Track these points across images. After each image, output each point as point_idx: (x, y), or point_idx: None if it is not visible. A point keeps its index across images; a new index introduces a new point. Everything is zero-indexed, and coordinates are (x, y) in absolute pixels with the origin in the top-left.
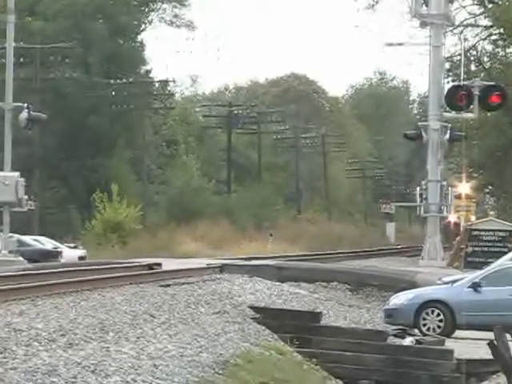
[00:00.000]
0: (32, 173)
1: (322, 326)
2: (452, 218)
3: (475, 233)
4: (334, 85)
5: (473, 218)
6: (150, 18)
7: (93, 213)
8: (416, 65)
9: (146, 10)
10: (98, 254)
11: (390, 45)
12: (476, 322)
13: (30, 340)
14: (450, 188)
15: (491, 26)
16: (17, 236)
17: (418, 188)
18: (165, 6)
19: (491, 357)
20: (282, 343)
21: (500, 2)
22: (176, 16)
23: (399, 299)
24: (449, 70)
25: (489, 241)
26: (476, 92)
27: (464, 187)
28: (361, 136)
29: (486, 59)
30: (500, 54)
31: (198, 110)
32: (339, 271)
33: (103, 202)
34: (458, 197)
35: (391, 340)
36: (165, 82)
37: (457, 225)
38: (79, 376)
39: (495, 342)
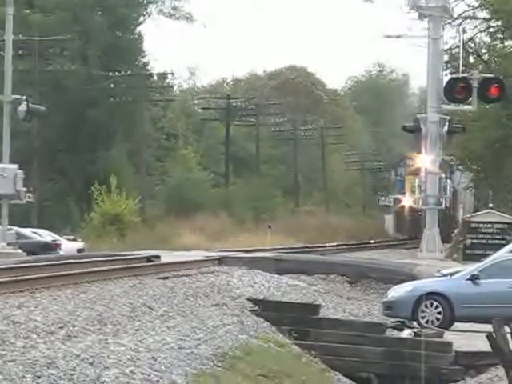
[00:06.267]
0: (30, 165)
1: (321, 318)
2: (407, 201)
3: (474, 225)
4: (332, 77)
5: None
6: (148, 11)
7: (91, 205)
8: (415, 57)
9: (145, 2)
10: (97, 247)
11: (389, 37)
12: (474, 314)
13: (28, 332)
14: (448, 180)
15: (490, 19)
16: (15, 228)
17: (416, 180)
18: None
19: (490, 349)
20: (281, 335)
21: None
22: (175, 8)
23: (398, 292)
24: (447, 62)
25: (487, 233)
26: (475, 84)
27: (424, 161)
28: (359, 128)
29: (484, 51)
30: (498, 46)
31: (196, 102)
32: (338, 263)
33: (102, 194)
34: (415, 172)
35: (390, 332)
36: (163, 75)
37: (413, 210)
38: (78, 368)
39: (494, 334)
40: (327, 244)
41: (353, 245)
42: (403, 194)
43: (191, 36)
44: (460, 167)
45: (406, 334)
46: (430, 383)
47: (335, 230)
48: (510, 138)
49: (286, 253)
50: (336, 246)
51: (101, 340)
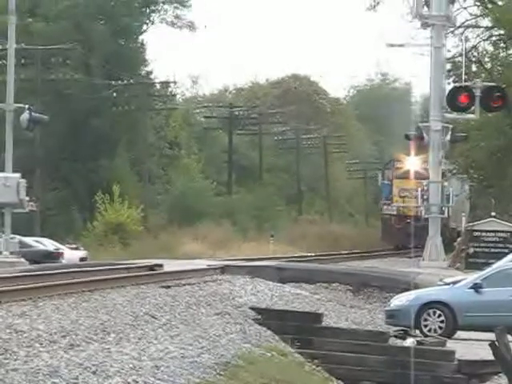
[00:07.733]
0: (33, 174)
1: (324, 327)
2: (394, 207)
3: (476, 234)
4: (335, 85)
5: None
6: (151, 19)
7: (94, 214)
8: (418, 65)
9: (147, 10)
10: (100, 256)
11: (391, 46)
12: (477, 322)
13: (31, 341)
14: (450, 189)
15: (492, 27)
16: (18, 237)
17: (418, 189)
18: (166, 6)
19: (492, 358)
20: (284, 344)
21: (501, 3)
22: (177, 17)
23: (400, 300)
24: (450, 71)
25: (490, 242)
26: (477, 93)
27: (413, 163)
28: (362, 137)
29: (487, 60)
30: (501, 55)
31: (198, 111)
32: (340, 272)
33: (105, 203)
34: (404, 176)
35: (392, 341)
36: (166, 83)
37: (402, 217)
38: (80, 377)
39: (496, 342)
40: (330, 252)
41: (355, 253)
42: (390, 199)
43: (193, 45)
44: (459, 175)
45: (409, 342)
46: None
47: (337, 238)
48: None
49: (288, 261)
50: (338, 254)
51: (103, 349)
